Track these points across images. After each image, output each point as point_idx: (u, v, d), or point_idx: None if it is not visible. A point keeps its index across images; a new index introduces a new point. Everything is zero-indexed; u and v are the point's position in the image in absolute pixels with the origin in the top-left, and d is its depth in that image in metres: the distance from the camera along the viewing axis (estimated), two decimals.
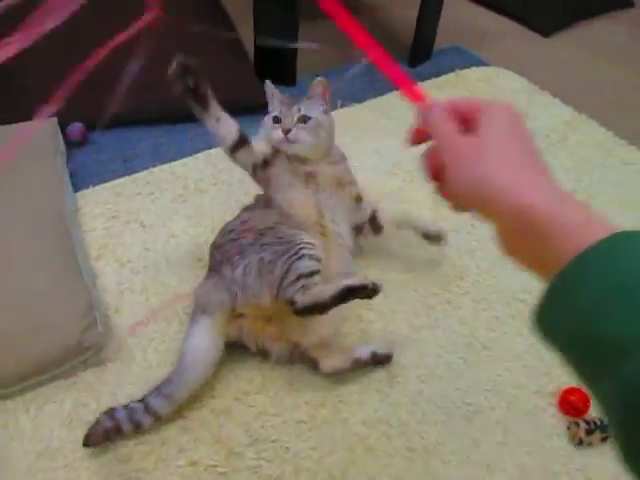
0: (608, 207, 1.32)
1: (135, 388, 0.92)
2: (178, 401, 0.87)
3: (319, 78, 1.09)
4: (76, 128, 1.36)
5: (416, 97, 0.54)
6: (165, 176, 1.30)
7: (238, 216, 1.06)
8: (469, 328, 1.05)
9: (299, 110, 1.04)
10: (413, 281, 1.11)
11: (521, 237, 0.44)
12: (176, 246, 1.15)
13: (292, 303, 0.86)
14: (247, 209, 1.07)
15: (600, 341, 0.36)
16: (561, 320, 0.39)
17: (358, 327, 1.03)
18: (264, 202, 1.06)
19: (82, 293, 0.99)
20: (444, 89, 1.65)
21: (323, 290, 0.85)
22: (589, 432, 0.89)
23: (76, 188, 1.25)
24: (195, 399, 0.91)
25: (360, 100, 1.58)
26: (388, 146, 1.43)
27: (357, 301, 0.89)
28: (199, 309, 0.93)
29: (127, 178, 1.29)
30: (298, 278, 0.87)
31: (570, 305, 0.38)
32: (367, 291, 0.85)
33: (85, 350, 0.93)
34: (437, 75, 1.71)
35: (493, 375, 0.98)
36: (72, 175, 1.27)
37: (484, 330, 1.05)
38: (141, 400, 0.86)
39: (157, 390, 0.87)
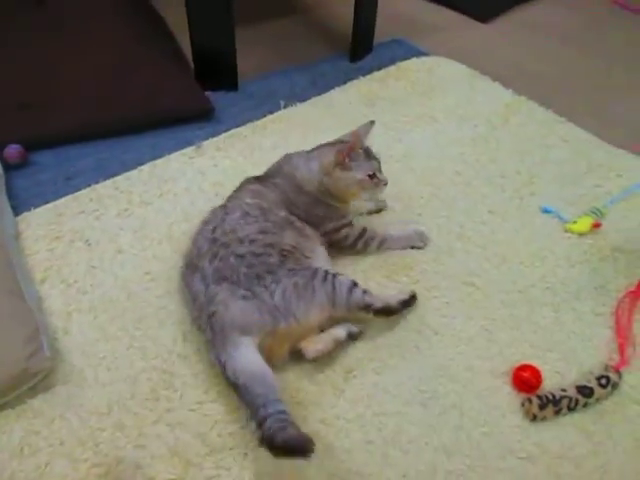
0: (550, 185, 1.35)
1: (87, 409, 0.91)
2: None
3: (358, 132, 1.13)
4: (14, 150, 1.33)
5: None
6: (109, 191, 1.28)
7: (246, 217, 1.02)
8: (420, 315, 1.06)
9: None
10: (363, 274, 1.12)
11: None
12: (123, 262, 1.13)
13: (367, 307, 0.97)
14: (261, 213, 1.03)
15: None
16: None
17: None
18: (283, 219, 1.05)
19: (26, 319, 0.97)
20: (386, 81, 1.66)
21: (388, 297, 1.01)
22: (542, 407, 0.91)
23: (16, 212, 1.23)
24: (149, 415, 0.90)
25: (303, 99, 1.58)
26: None
27: None
28: (236, 330, 0.90)
29: (69, 197, 1.27)
30: (351, 288, 0.96)
31: None
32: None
33: (32, 376, 0.91)
34: (379, 68, 1.72)
35: (446, 360, 1.00)
36: (11, 199, 1.25)
37: (435, 316, 1.06)
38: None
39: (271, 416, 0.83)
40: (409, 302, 1.04)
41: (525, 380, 0.95)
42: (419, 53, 1.81)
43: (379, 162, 1.14)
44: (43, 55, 1.58)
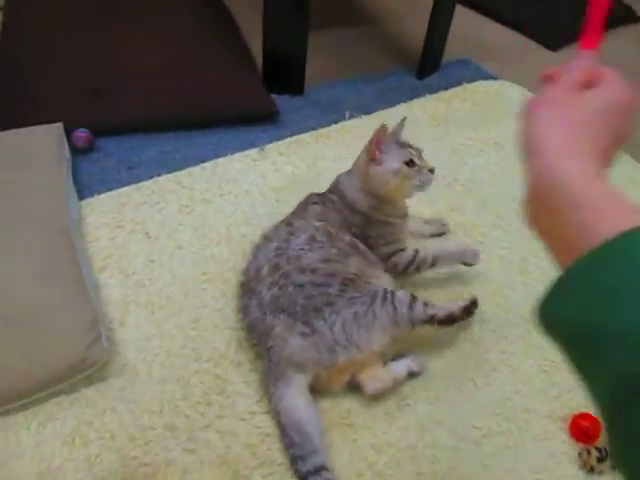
0: None
1: (139, 405, 0.90)
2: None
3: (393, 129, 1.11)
4: (82, 134, 1.34)
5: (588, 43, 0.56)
6: (171, 185, 1.28)
7: (312, 242, 0.98)
8: (478, 349, 1.03)
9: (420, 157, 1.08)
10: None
11: (549, 201, 0.44)
12: (182, 258, 1.13)
13: (431, 318, 0.94)
14: (327, 239, 0.99)
15: (602, 330, 0.36)
16: (571, 305, 0.39)
17: None
18: (348, 244, 1.01)
19: (87, 307, 0.97)
20: (452, 102, 1.64)
21: (450, 304, 0.98)
22: (600, 460, 0.88)
23: (80, 196, 1.24)
24: (200, 419, 0.89)
25: (369, 111, 1.57)
26: None
27: None
28: (291, 367, 0.89)
29: (132, 187, 1.27)
30: (411, 304, 0.93)
31: (584, 291, 0.38)
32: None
33: (89, 366, 0.91)
34: (445, 88, 1.70)
35: (503, 398, 0.97)
36: (76, 183, 1.26)
37: (493, 351, 1.03)
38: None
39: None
40: (470, 308, 1.00)
41: (584, 429, 0.92)
42: (486, 76, 1.78)
43: (419, 150, 1.08)
44: (112, 45, 1.59)
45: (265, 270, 0.95)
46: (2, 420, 0.87)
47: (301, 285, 0.92)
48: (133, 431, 0.88)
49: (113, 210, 1.21)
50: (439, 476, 0.87)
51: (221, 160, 1.37)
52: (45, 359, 0.90)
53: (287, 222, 1.05)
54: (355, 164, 1.10)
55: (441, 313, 0.95)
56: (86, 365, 0.91)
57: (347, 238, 1.02)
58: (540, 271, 1.19)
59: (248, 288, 0.98)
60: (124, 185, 1.28)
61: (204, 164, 1.35)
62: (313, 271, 0.94)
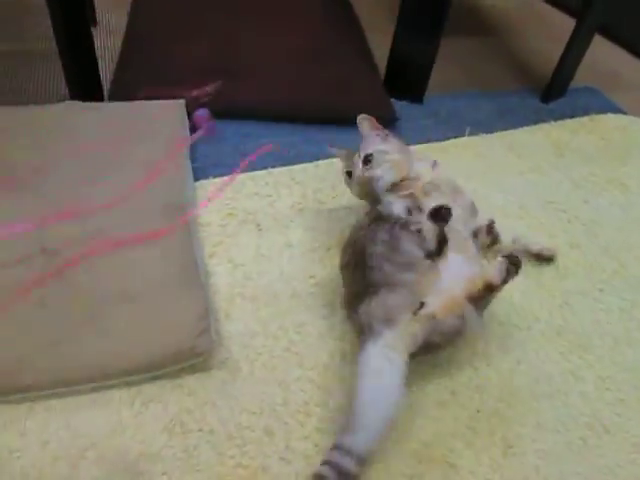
0: None
1: (239, 403, 0.89)
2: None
3: (359, 116, 1.15)
4: (203, 114, 1.34)
5: None
6: (284, 179, 1.27)
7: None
8: (591, 406, 0.96)
9: (359, 155, 1.09)
10: (533, 342, 1.04)
11: None
12: (291, 257, 1.11)
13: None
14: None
15: None
16: None
17: (474, 383, 0.96)
18: None
19: (199, 294, 0.96)
20: (577, 132, 1.55)
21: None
22: None
23: (195, 178, 1.23)
24: (299, 429, 0.87)
25: (489, 130, 1.50)
26: (514, 185, 1.35)
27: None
28: (380, 323, 0.86)
29: (246, 175, 1.26)
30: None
31: None
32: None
33: (196, 355, 0.90)
34: (571, 116, 1.61)
35: (615, 465, 0.90)
36: (192, 163, 1.26)
37: (608, 412, 0.96)
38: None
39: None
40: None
41: None
42: (615, 109, 1.68)
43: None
44: (240, 29, 1.59)
45: None
46: (105, 394, 0.88)
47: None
48: (231, 429, 0.86)
49: (227, 196, 1.21)
50: None
51: (336, 160, 1.34)
52: (155, 340, 0.90)
53: None
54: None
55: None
56: (193, 354, 0.90)
57: None
58: None
59: None
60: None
61: (318, 162, 1.33)
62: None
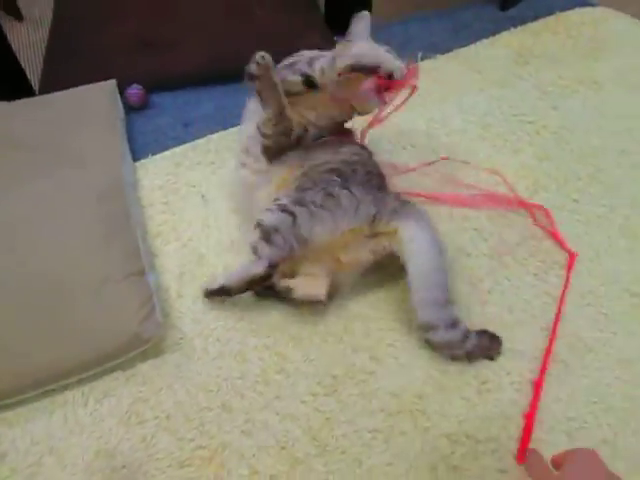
0: None
1: (195, 383, 0.85)
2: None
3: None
4: (135, 91, 1.28)
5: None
6: (226, 143, 1.20)
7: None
8: (571, 326, 0.90)
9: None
10: (505, 269, 0.97)
11: None
12: (239, 222, 1.06)
13: None
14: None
15: None
16: None
17: None
18: None
19: (141, 279, 0.92)
20: (541, 35, 1.43)
21: None
22: None
23: (134, 157, 1.18)
24: (258, 400, 0.83)
25: (443, 51, 1.40)
26: (476, 104, 1.26)
27: None
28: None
29: (188, 146, 1.20)
30: None
31: None
32: None
33: (144, 342, 0.86)
34: (533, 19, 1.48)
35: (601, 385, 0.84)
36: (130, 142, 1.20)
37: (590, 330, 0.90)
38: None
39: None
40: None
41: None
42: (583, 3, 1.54)
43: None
44: (163, 2, 1.49)
45: None
46: (60, 396, 0.85)
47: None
48: (189, 411, 0.83)
49: (168, 172, 1.15)
50: (525, 473, 0.76)
51: None
52: (97, 334, 0.86)
53: None
54: None
55: None
56: (140, 341, 0.86)
57: None
58: None
59: None
60: (179, 143, 1.21)
61: None
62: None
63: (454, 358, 0.85)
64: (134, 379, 0.86)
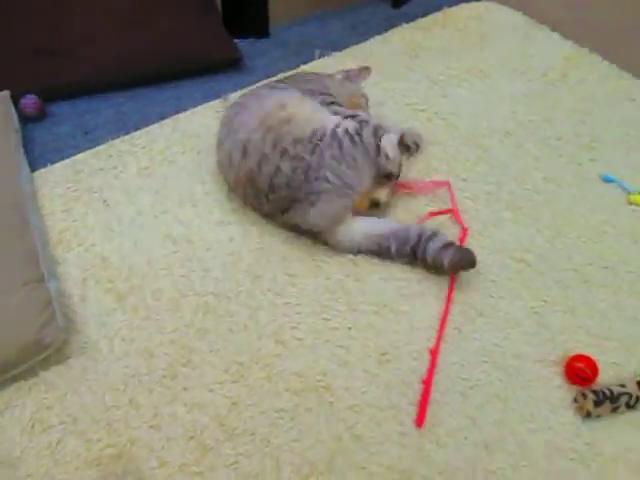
0: (613, 150, 1.21)
1: (101, 384, 0.85)
2: None
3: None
4: (30, 101, 1.25)
5: None
6: (128, 147, 1.20)
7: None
8: (462, 294, 0.96)
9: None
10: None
11: None
12: (143, 224, 1.06)
13: (390, 174, 1.03)
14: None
15: None
16: None
17: (343, 301, 0.94)
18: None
19: (40, 286, 0.90)
20: (431, 30, 1.51)
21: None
22: (598, 403, 0.81)
23: (33, 167, 1.16)
24: (166, 393, 0.84)
25: (340, 48, 1.45)
26: (372, 96, 1.30)
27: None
28: (334, 224, 0.99)
29: (88, 153, 1.19)
30: (378, 148, 1.01)
31: None
32: None
33: (45, 348, 0.85)
34: (424, 15, 1.56)
35: (491, 345, 0.90)
36: (28, 153, 1.18)
37: (480, 295, 0.96)
38: None
39: None
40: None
41: (579, 372, 0.85)
42: None
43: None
44: (59, 9, 1.46)
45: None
46: None
47: (270, 188, 0.97)
48: (96, 412, 0.82)
49: (68, 179, 1.14)
50: (424, 434, 0.81)
51: (182, 115, 1.27)
52: None
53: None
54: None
55: (397, 170, 1.03)
56: (41, 347, 0.85)
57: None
58: (531, 205, 1.10)
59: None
60: (80, 152, 1.20)
61: (164, 121, 1.26)
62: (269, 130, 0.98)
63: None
64: (37, 387, 0.85)
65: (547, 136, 1.24)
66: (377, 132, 1.02)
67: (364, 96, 1.20)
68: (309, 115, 1.01)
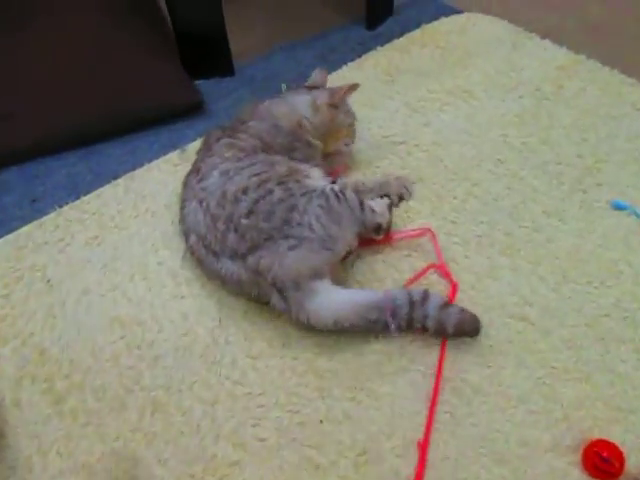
0: (622, 170, 1.06)
1: None
2: None
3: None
4: None
5: None
6: (77, 215, 1.08)
7: (226, 174, 0.92)
8: (454, 367, 0.81)
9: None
10: None
11: None
12: (88, 305, 0.94)
13: (378, 227, 0.93)
14: (243, 159, 0.95)
15: None
16: None
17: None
18: (265, 158, 0.96)
19: None
20: (409, 50, 1.38)
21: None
22: None
23: None
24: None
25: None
26: None
27: None
28: (307, 278, 0.84)
29: (33, 224, 1.08)
30: (361, 206, 0.92)
31: None
32: None
33: None
34: (400, 34, 1.43)
35: (491, 431, 0.75)
36: None
37: (475, 367, 0.81)
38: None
39: None
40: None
41: (601, 465, 0.69)
42: (450, 10, 1.51)
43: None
44: (5, 59, 1.36)
45: (205, 231, 0.89)
46: None
47: (249, 212, 0.87)
48: None
49: (9, 257, 1.02)
50: None
51: (137, 172, 1.16)
52: None
53: (194, 172, 0.97)
54: (311, 94, 1.07)
55: (385, 224, 0.93)
56: None
57: (261, 157, 0.96)
58: (530, 247, 0.95)
59: (207, 253, 0.90)
60: (27, 223, 1.09)
61: (116, 181, 1.14)
62: (245, 191, 0.89)
63: None
64: None
65: (545, 161, 1.09)
66: (358, 189, 0.98)
67: (351, 125, 1.08)
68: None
